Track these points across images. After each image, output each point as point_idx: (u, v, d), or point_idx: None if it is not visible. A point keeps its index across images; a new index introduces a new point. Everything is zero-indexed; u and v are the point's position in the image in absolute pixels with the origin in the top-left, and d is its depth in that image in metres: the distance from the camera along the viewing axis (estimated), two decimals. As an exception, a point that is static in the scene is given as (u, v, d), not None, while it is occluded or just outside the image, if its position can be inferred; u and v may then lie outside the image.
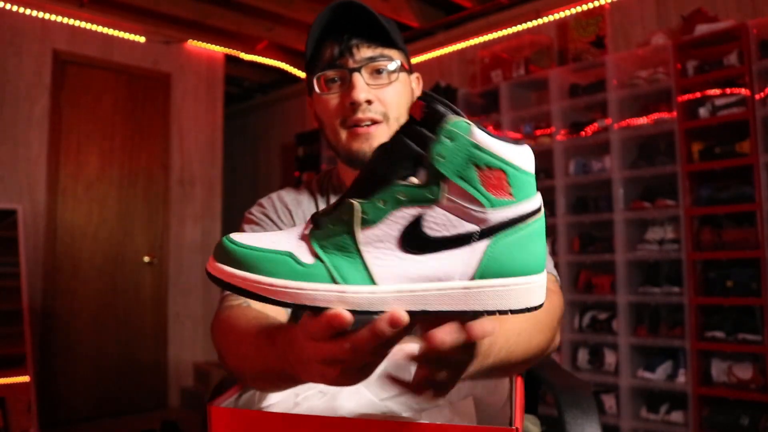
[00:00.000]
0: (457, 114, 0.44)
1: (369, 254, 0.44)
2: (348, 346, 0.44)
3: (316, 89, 0.90)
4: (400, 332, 0.44)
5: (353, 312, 0.43)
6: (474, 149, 0.43)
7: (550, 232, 2.97)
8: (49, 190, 3.43)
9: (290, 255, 0.45)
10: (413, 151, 0.44)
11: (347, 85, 0.87)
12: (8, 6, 3.31)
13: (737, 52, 2.50)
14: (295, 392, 0.73)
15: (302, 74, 4.62)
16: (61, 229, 3.50)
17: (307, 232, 0.47)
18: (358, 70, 0.86)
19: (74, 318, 3.52)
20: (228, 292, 0.82)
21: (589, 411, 0.82)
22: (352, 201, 0.45)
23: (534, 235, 0.45)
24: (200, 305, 4.05)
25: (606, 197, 2.83)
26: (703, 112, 2.57)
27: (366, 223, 0.45)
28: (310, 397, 0.72)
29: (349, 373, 0.47)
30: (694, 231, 2.57)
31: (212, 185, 4.20)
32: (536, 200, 0.45)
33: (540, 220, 0.46)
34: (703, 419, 2.44)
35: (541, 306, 0.46)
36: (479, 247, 0.44)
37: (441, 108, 0.44)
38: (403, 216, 0.44)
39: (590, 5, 3.20)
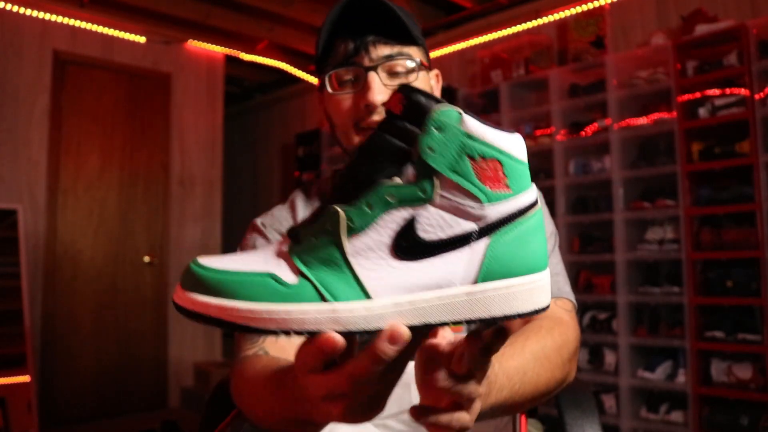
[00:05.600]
0: (441, 103, 0.41)
1: (359, 266, 0.40)
2: (346, 376, 0.40)
3: (328, 88, 0.83)
4: (404, 353, 0.40)
5: (349, 333, 0.39)
6: (467, 139, 0.39)
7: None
8: (49, 190, 3.43)
9: (271, 275, 0.40)
10: (397, 147, 0.41)
11: (362, 85, 0.80)
12: (8, 6, 3.31)
13: (737, 52, 2.50)
14: None
15: (302, 74, 4.62)
16: (61, 229, 3.50)
17: (285, 248, 0.42)
18: (375, 68, 0.78)
19: (74, 318, 3.52)
20: (243, 343, 0.77)
21: (589, 411, 0.82)
22: (336, 208, 0.41)
23: (534, 230, 0.42)
24: (200, 305, 4.04)
25: (606, 197, 2.83)
26: (702, 112, 2.58)
27: (353, 231, 0.40)
28: None
29: (357, 407, 0.42)
30: (694, 231, 2.57)
31: (212, 185, 4.20)
32: (532, 192, 0.42)
33: (538, 213, 0.42)
34: (702, 419, 2.44)
35: (548, 307, 0.42)
36: (479, 248, 0.40)
37: (423, 99, 0.41)
38: (393, 220, 0.40)
39: (590, 5, 3.20)
